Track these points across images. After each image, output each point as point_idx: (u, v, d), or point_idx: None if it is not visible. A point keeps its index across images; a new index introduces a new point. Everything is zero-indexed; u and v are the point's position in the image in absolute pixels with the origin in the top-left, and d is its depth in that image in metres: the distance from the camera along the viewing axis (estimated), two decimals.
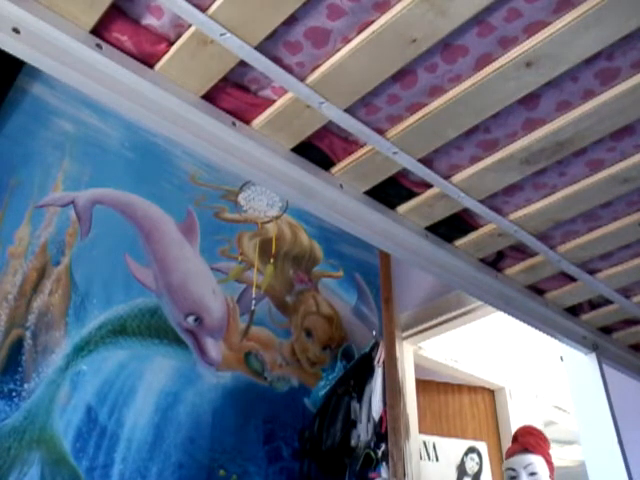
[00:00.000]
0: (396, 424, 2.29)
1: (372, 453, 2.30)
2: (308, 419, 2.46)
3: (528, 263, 1.51)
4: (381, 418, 2.36)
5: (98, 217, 2.22)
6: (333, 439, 2.31)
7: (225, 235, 2.62)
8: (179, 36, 0.91)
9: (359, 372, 2.52)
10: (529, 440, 2.05)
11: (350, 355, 2.73)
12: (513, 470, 1.98)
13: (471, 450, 3.20)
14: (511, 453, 2.06)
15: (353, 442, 2.32)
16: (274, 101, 1.03)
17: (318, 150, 1.15)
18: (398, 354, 2.60)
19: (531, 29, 0.90)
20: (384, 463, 2.29)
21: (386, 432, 2.32)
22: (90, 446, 1.88)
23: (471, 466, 3.17)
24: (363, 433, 2.34)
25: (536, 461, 1.98)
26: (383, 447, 2.31)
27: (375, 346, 2.60)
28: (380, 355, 2.52)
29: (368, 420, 2.37)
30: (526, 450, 2.01)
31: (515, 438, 2.13)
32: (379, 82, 0.97)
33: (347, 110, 1.03)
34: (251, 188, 2.68)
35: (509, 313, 1.58)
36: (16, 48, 0.83)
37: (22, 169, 2.09)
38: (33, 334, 1.90)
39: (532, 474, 1.95)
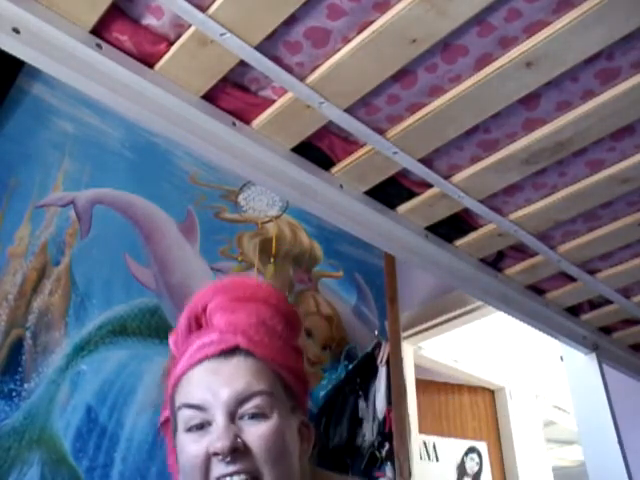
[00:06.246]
0: (401, 424, 2.29)
1: (377, 452, 2.30)
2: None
3: (528, 263, 1.51)
4: (384, 418, 2.36)
5: (98, 217, 2.22)
6: (340, 437, 2.31)
7: (225, 235, 2.61)
8: (179, 36, 0.91)
9: (363, 371, 2.52)
10: (234, 320, 0.76)
11: (353, 356, 2.73)
12: (199, 409, 0.71)
13: (471, 450, 3.21)
14: (192, 364, 0.77)
15: (358, 441, 2.33)
16: (274, 101, 1.03)
17: (318, 150, 1.15)
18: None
19: (531, 29, 0.90)
20: (389, 462, 2.29)
21: (389, 431, 2.32)
22: (90, 446, 1.88)
23: (471, 466, 3.17)
24: (368, 432, 2.34)
25: (258, 380, 0.72)
26: (387, 446, 2.32)
27: (377, 346, 2.60)
28: (383, 354, 2.52)
29: (373, 419, 2.37)
30: (237, 351, 0.73)
31: (200, 314, 0.82)
32: (379, 82, 0.97)
33: (347, 110, 1.03)
34: (251, 188, 2.67)
35: (509, 313, 1.58)
36: (16, 48, 0.83)
37: (22, 169, 2.09)
38: (33, 334, 1.89)
39: (255, 417, 0.70)
